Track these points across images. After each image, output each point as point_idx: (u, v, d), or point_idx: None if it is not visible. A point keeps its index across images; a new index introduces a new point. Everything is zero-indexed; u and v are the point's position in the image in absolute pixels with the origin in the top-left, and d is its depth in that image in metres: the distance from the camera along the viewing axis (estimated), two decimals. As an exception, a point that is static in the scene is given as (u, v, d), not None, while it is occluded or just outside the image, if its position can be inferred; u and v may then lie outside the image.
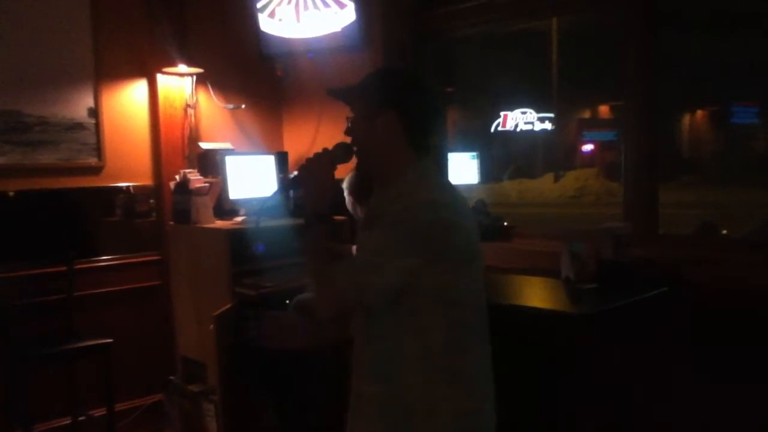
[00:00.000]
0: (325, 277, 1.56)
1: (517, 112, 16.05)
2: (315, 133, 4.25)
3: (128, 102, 3.79)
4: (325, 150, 1.71)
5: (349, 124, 1.71)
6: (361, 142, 1.67)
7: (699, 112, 20.31)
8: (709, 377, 2.48)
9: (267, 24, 3.97)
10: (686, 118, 20.27)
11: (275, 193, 3.11)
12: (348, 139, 1.72)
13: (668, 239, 2.91)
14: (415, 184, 1.58)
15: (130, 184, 3.80)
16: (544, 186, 17.12)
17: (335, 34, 3.80)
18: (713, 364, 2.47)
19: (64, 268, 3.43)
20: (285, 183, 3.81)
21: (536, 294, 2.65)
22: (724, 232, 3.42)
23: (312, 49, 3.92)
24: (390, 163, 1.63)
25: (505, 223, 3.68)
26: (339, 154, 1.72)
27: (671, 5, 3.11)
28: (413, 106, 1.62)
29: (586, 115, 21.66)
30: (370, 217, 1.67)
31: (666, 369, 2.56)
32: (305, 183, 1.70)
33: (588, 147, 20.79)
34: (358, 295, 1.51)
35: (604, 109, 21.61)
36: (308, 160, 1.71)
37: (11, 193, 3.39)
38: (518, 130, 15.50)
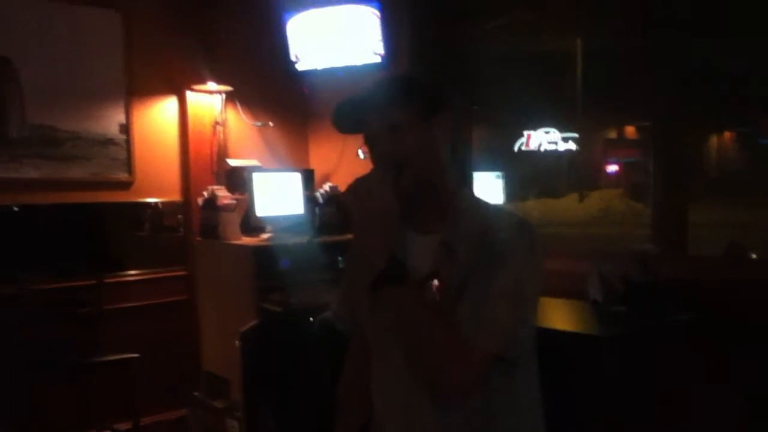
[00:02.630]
0: (455, 342, 1.19)
1: (541, 131, 15.99)
2: (341, 151, 4.27)
3: (158, 118, 3.85)
4: (379, 168, 1.31)
5: (387, 135, 1.32)
6: (413, 151, 1.30)
7: (726, 133, 20.11)
8: (741, 404, 2.43)
9: (296, 48, 4.01)
10: (713, 139, 20.08)
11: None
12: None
13: (698, 261, 2.88)
14: (481, 202, 1.38)
15: (159, 199, 3.84)
16: (569, 205, 17.01)
17: (365, 55, 3.84)
18: (745, 391, 2.42)
19: (92, 282, 3.46)
20: (314, 202, 3.82)
21: (563, 316, 2.62)
22: (754, 256, 3.36)
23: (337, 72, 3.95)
24: (446, 175, 1.35)
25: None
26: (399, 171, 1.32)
27: (702, 27, 3.09)
28: (454, 111, 1.39)
29: (612, 135, 21.54)
30: (445, 253, 1.30)
31: (696, 394, 2.52)
32: (366, 212, 1.26)
33: (613, 167, 20.66)
34: (503, 352, 1.22)
35: (630, 130, 21.47)
36: (360, 180, 1.28)
37: (43, 207, 3.45)
38: (542, 149, 15.42)
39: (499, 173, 7.25)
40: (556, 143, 18.62)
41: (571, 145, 19.24)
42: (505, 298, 1.21)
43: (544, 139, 17.31)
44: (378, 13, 3.75)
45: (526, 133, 15.60)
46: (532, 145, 15.66)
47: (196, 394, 3.72)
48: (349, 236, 3.79)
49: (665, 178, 2.93)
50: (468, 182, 3.74)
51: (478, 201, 1.38)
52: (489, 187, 6.67)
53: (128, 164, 3.71)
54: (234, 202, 3.63)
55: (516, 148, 15.40)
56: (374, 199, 1.24)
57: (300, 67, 4.03)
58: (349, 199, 1.28)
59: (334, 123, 1.40)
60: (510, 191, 7.43)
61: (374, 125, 1.33)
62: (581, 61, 16.41)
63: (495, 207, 1.39)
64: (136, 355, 3.31)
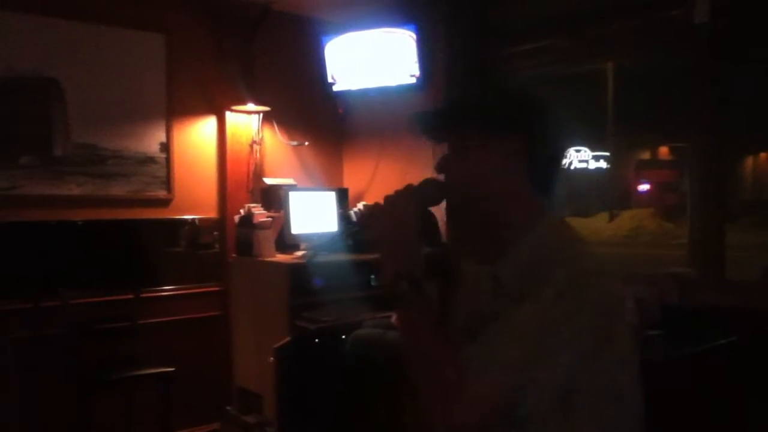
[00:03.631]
0: (454, 378, 1.10)
1: (572, 150, 15.92)
2: (374, 170, 4.31)
3: (197, 138, 3.93)
4: (410, 186, 1.26)
5: (445, 158, 1.26)
6: (466, 179, 1.21)
7: (762, 155, 19.79)
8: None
9: (333, 70, 4.08)
10: (749, 160, 19.77)
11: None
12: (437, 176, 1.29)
13: (735, 285, 2.85)
14: (561, 241, 1.18)
15: (196, 216, 3.91)
16: (599, 225, 16.85)
17: (400, 77, 3.89)
18: None
19: (129, 296, 3.52)
20: (347, 220, 3.86)
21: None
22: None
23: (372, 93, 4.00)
24: (509, 208, 1.20)
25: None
26: (430, 193, 1.26)
27: (737, 47, 3.08)
28: (544, 131, 1.20)
29: (645, 155, 21.33)
30: (488, 287, 1.22)
31: (735, 421, 2.48)
32: (381, 231, 1.23)
33: (644, 187, 20.43)
34: (516, 399, 1.06)
35: (663, 150, 21.26)
36: (386, 198, 1.25)
37: (79, 222, 3.52)
38: (572, 168, 15.35)
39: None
40: (587, 161, 18.48)
41: (602, 164, 19.09)
42: (521, 338, 1.08)
43: (575, 158, 17.22)
44: (414, 36, 3.80)
45: (557, 152, 15.55)
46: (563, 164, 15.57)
47: (228, 408, 3.76)
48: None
49: (702, 198, 2.91)
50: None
51: (558, 242, 1.18)
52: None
53: (167, 182, 3.78)
54: (270, 219, 3.69)
55: (547, 167, 15.36)
56: (393, 216, 1.22)
57: (336, 88, 4.10)
58: (365, 216, 1.30)
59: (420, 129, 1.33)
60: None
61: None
62: (612, 81, 16.34)
63: (575, 250, 1.18)
64: (171, 369, 3.35)
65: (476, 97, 1.29)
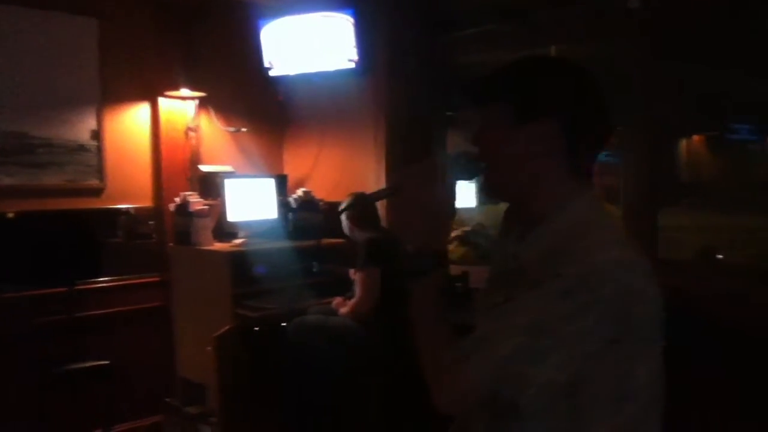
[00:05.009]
0: (449, 358, 1.07)
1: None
2: (316, 157, 4.28)
3: (131, 124, 3.83)
4: (433, 159, 1.20)
5: (481, 129, 1.20)
6: (496, 157, 1.17)
7: (695, 137, 20.44)
8: (711, 400, 2.48)
9: (271, 55, 4.02)
10: (683, 143, 20.40)
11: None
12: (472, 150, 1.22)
13: (668, 264, 2.93)
14: (586, 227, 1.10)
15: (131, 206, 3.81)
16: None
17: (339, 62, 3.86)
18: (714, 390, 2.47)
19: (64, 289, 3.43)
20: (287, 207, 3.83)
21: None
22: (720, 256, 3.43)
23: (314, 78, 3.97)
24: (541, 191, 1.15)
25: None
26: (458, 168, 1.21)
27: (672, 37, 3.16)
28: (585, 112, 1.14)
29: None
30: (512, 267, 1.19)
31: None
32: (412, 200, 1.18)
33: (587, 170, 20.87)
34: (504, 390, 1.05)
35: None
36: (414, 166, 1.20)
37: (10, 215, 3.40)
38: (517, 153, 15.62)
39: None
40: (530, 147, 18.67)
41: (547, 149, 19.37)
42: (518, 328, 1.03)
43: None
44: (352, 20, 3.77)
45: (501, 137, 15.74)
46: (508, 149, 15.83)
47: (170, 400, 3.71)
48: (323, 241, 3.82)
49: (635, 180, 2.98)
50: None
51: (581, 227, 1.11)
52: (462, 190, 6.71)
53: (100, 171, 3.67)
54: (207, 207, 3.63)
55: (492, 153, 15.53)
56: (428, 179, 1.17)
57: (274, 73, 4.04)
58: (406, 184, 1.19)
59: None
60: (484, 195, 7.43)
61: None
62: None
63: (602, 237, 1.10)
64: (107, 362, 3.28)
65: (514, 73, 1.19)
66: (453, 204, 1.20)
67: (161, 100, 3.86)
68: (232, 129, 4.18)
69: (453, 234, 4.10)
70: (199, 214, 3.59)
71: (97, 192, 3.69)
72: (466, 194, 7.01)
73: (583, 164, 1.17)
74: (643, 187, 2.97)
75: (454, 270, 3.68)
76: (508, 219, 1.32)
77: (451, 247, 4.03)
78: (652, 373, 1.08)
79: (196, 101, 3.98)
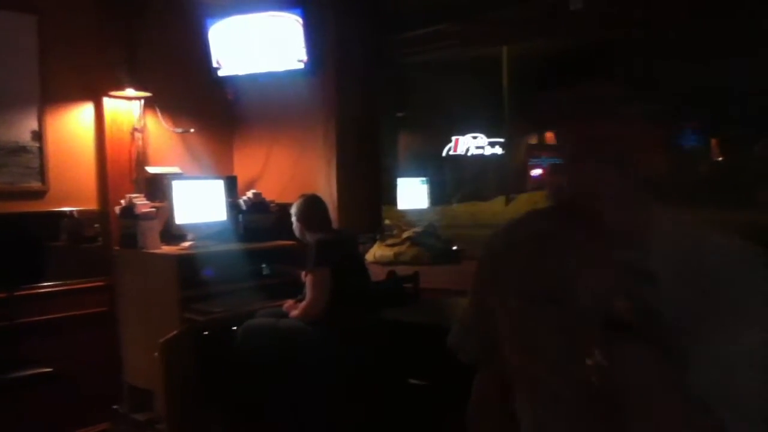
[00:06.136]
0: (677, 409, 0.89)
1: (468, 136, 16.30)
2: (266, 158, 4.25)
3: (74, 125, 3.73)
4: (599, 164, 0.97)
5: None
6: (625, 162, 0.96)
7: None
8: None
9: (218, 54, 3.97)
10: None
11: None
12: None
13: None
14: (700, 231, 1.00)
15: (75, 208, 3.71)
16: (497, 208, 17.34)
17: (288, 62, 3.83)
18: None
19: (5, 295, 3.33)
20: (237, 208, 3.79)
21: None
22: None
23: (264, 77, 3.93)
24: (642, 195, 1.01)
25: (455, 248, 3.73)
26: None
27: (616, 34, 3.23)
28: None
29: (534, 140, 22.09)
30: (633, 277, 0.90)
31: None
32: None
33: (537, 171, 21.20)
34: None
35: (549, 135, 22.01)
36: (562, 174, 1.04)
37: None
38: (469, 154, 15.71)
39: (424, 179, 7.35)
40: (483, 148, 18.97)
41: (498, 150, 19.64)
42: (756, 365, 0.88)
43: (472, 144, 17.64)
44: (301, 20, 3.76)
45: (454, 138, 15.87)
46: (460, 150, 15.94)
47: (117, 407, 3.63)
48: (276, 243, 3.80)
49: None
50: (393, 188, 3.78)
51: (681, 221, 1.01)
52: (414, 192, 6.76)
53: (42, 173, 3.57)
54: (153, 210, 3.57)
55: (444, 153, 15.63)
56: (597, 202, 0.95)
57: (222, 73, 4.00)
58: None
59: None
60: (436, 196, 7.53)
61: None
62: (506, 67, 16.80)
63: (710, 229, 1.00)
64: (50, 369, 3.19)
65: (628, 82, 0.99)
66: (322, 215, 1.01)
67: (106, 100, 3.77)
68: (179, 130, 4.11)
69: (404, 235, 4.12)
70: (146, 216, 3.53)
71: (39, 194, 3.58)
72: (418, 197, 7.09)
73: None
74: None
75: (405, 270, 3.71)
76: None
77: (402, 248, 4.05)
78: None
79: (142, 101, 3.90)
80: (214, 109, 4.34)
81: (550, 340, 1.03)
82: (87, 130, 3.78)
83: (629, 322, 0.86)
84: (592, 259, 0.95)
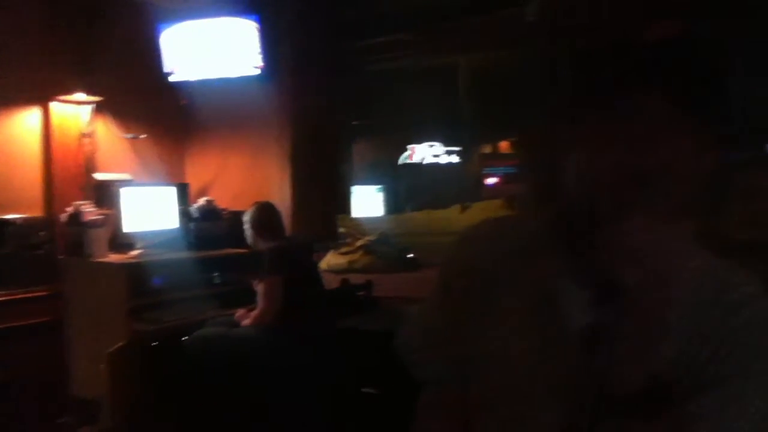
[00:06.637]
0: None
1: (425, 145, 16.40)
2: (219, 165, 4.19)
3: (19, 130, 3.62)
4: None
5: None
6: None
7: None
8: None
9: (171, 59, 3.91)
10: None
11: None
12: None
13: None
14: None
15: (20, 215, 3.60)
16: (451, 216, 17.49)
17: (243, 68, 3.80)
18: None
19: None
20: (188, 215, 3.73)
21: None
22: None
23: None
24: None
25: (410, 255, 3.73)
26: None
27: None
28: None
29: (488, 150, 22.37)
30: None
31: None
32: None
33: (492, 179, 21.47)
34: None
35: (504, 145, 22.36)
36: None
37: None
38: (425, 162, 15.82)
39: (380, 187, 7.35)
40: (439, 156, 19.10)
41: (454, 159, 19.81)
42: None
43: (428, 153, 17.75)
44: (257, 26, 3.73)
45: (410, 146, 15.94)
46: (416, 159, 16.03)
47: (63, 420, 3.53)
48: (229, 251, 3.75)
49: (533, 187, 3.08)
50: (348, 196, 3.77)
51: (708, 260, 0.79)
52: (369, 200, 6.75)
53: (-17, 178, 3.46)
54: (101, 217, 3.49)
55: (400, 162, 15.69)
56: None
57: (174, 78, 3.94)
58: None
59: None
60: (391, 204, 7.54)
61: None
62: (464, 76, 16.98)
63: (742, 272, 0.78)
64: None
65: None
66: (275, 222, 0.87)
67: (53, 105, 3.68)
68: (130, 135, 4.03)
69: (358, 243, 4.11)
70: (93, 224, 3.45)
71: (-21, 201, 3.47)
72: (374, 205, 7.08)
73: None
74: (540, 195, 3.06)
75: (358, 279, 3.70)
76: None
77: (355, 256, 4.04)
78: None
79: (92, 106, 3.81)
80: (167, 115, 4.28)
81: (543, 404, 0.82)
82: (33, 135, 3.68)
83: (632, 398, 0.73)
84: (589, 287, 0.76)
